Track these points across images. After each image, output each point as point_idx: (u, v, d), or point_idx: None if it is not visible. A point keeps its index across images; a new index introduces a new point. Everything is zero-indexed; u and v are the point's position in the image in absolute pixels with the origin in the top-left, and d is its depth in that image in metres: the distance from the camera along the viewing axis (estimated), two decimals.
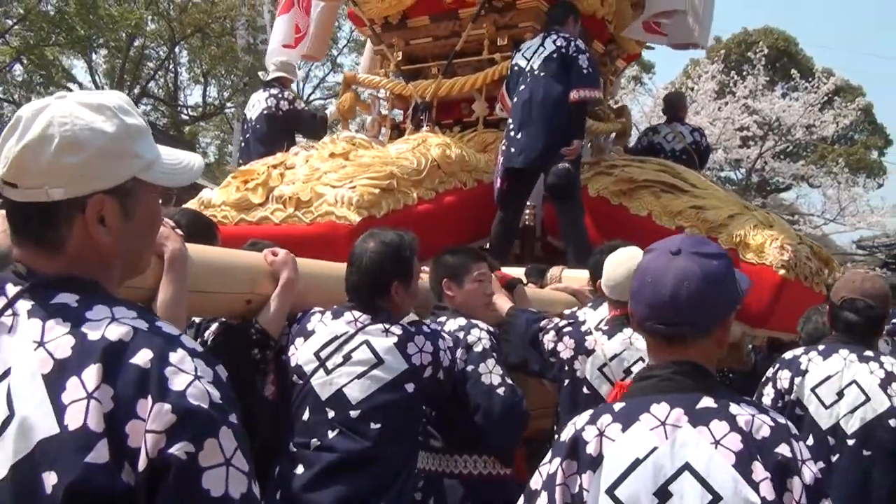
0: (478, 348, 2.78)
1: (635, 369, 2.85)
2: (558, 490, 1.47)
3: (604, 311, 3.26)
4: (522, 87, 4.91)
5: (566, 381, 3.00)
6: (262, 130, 6.12)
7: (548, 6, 5.47)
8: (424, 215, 4.64)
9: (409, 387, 2.34)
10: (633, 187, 5.22)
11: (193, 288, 2.29)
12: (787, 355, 3.22)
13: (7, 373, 1.06)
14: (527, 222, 5.38)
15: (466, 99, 5.89)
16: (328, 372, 2.34)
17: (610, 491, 1.43)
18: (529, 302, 3.58)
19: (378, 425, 2.28)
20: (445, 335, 2.57)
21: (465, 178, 5.06)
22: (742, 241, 4.81)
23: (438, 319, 2.92)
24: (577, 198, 4.87)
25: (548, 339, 3.08)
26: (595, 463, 1.45)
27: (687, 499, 1.41)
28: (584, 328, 3.06)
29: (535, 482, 1.53)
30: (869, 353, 3.03)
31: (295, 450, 2.31)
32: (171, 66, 21.11)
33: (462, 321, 2.89)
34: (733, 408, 1.48)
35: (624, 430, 1.46)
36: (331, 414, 2.30)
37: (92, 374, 1.03)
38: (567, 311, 3.43)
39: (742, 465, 1.42)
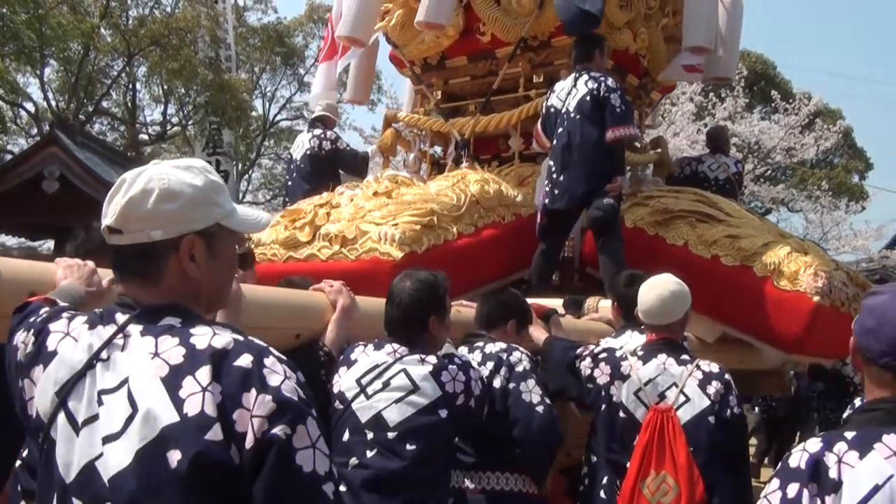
0: (519, 368, 3.02)
1: (669, 394, 2.99)
2: None
3: (625, 338, 3.41)
4: (560, 129, 5.06)
5: (603, 406, 3.14)
6: (307, 170, 6.37)
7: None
8: (464, 249, 4.82)
9: (443, 412, 2.51)
10: (669, 217, 5.33)
11: (247, 324, 2.49)
12: None
13: (125, 381, 1.30)
14: (566, 254, 5.52)
15: (503, 134, 6.08)
16: (368, 397, 2.53)
17: None
18: (564, 331, 3.73)
19: (413, 447, 2.45)
20: (475, 366, 2.73)
21: (503, 212, 5.23)
22: (776, 269, 4.88)
23: (476, 344, 3.11)
24: (617, 231, 5.01)
25: (584, 366, 3.23)
26: (836, 487, 1.54)
27: None
28: (618, 353, 3.20)
29: None
30: None
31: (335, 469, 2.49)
32: (128, 83, 19.88)
33: (503, 344, 3.12)
34: None
35: (861, 457, 1.55)
36: (370, 435, 2.48)
37: (205, 373, 1.26)
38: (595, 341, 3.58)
39: None
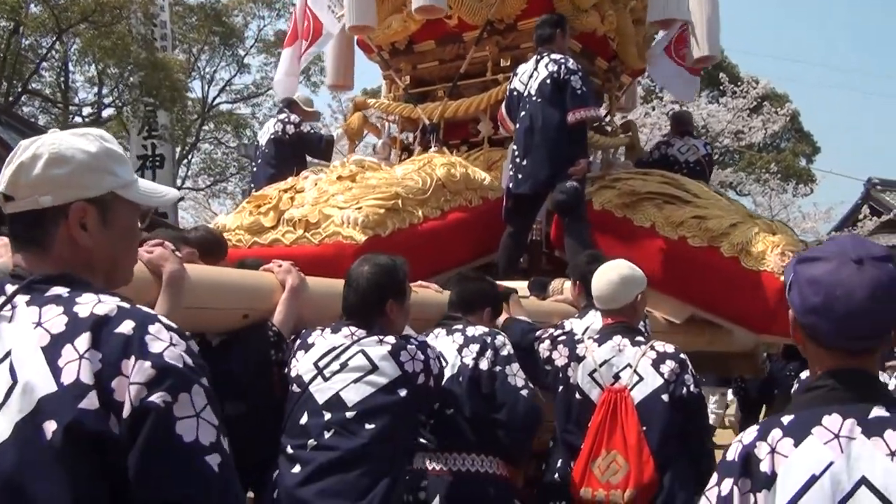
0: (504, 352, 3.04)
1: (623, 375, 2.98)
2: None
3: (590, 318, 3.40)
4: (523, 112, 5.03)
5: (560, 388, 3.14)
6: (271, 154, 6.29)
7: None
8: (430, 233, 4.79)
9: (403, 392, 2.50)
10: (637, 199, 5.32)
11: (192, 304, 2.46)
12: None
13: (8, 353, 1.24)
14: (533, 237, 5.50)
15: (473, 119, 6.05)
16: (326, 379, 2.52)
17: None
18: (523, 310, 3.72)
19: (372, 426, 2.44)
20: (433, 346, 2.72)
21: (470, 196, 5.21)
22: (744, 249, 4.88)
23: (455, 327, 3.12)
24: (582, 213, 4.98)
25: (543, 348, 3.23)
26: (769, 481, 1.38)
27: None
28: (576, 336, 3.19)
29: None
30: None
31: (292, 451, 2.48)
32: (60, 63, 18.51)
33: (484, 328, 3.13)
34: None
35: (796, 444, 1.39)
36: (328, 416, 2.46)
37: (84, 340, 1.21)
38: (558, 322, 3.56)
39: None
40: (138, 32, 15.60)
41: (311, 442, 2.45)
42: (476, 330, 3.08)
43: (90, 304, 1.26)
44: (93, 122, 18.43)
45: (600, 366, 3.03)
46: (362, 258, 2.78)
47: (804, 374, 3.84)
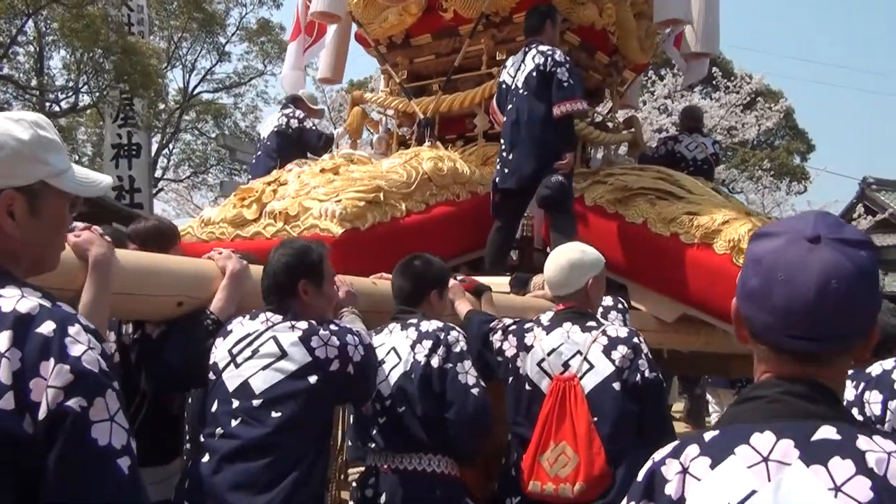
0: (456, 349, 2.91)
1: (573, 363, 2.87)
2: None
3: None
4: (510, 105, 4.95)
5: (510, 379, 3.03)
6: (272, 147, 6.30)
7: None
8: (414, 227, 4.73)
9: (313, 378, 2.41)
10: (629, 195, 5.20)
11: (122, 290, 2.41)
12: (875, 369, 3.01)
13: None
14: (525, 233, 5.41)
15: (469, 114, 5.97)
16: (237, 366, 2.45)
17: None
18: (496, 308, 3.63)
19: (278, 414, 2.36)
20: (359, 332, 2.63)
21: (458, 190, 5.14)
22: (736, 247, 4.73)
23: (409, 321, 3.02)
24: (568, 207, 4.88)
25: (496, 339, 3.13)
26: None
27: None
28: (527, 325, 3.09)
29: None
30: None
31: (203, 439, 2.43)
32: (35, 48, 17.45)
33: (438, 323, 3.00)
34: (862, 441, 1.09)
35: (713, 465, 1.12)
36: (235, 404, 2.40)
37: (5, 338, 1.21)
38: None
39: None
40: (114, 16, 14.80)
41: (219, 430, 2.39)
42: (431, 325, 2.98)
43: (13, 300, 1.26)
44: (69, 110, 18.27)
45: (549, 354, 2.92)
46: (281, 242, 2.74)
47: None
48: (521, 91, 4.84)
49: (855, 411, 2.27)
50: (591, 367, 2.84)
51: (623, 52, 6.34)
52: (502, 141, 4.98)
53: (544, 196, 4.74)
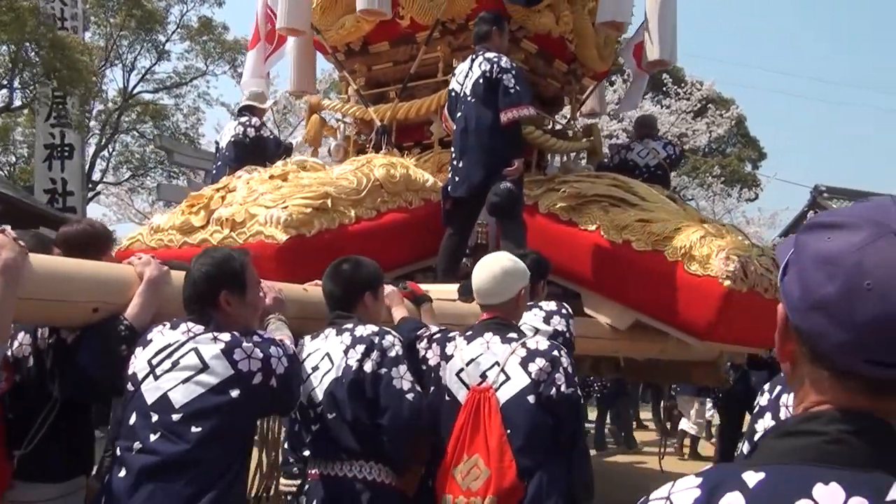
0: (391, 353, 2.84)
1: (490, 374, 2.82)
2: None
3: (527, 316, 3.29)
4: (459, 113, 4.93)
5: (433, 389, 2.98)
6: (230, 157, 6.25)
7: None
8: (363, 234, 4.68)
9: (235, 392, 2.35)
10: (583, 202, 5.20)
11: (36, 296, 2.36)
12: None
13: None
14: (479, 241, 5.38)
15: (427, 122, 5.94)
16: (157, 378, 2.38)
17: None
18: (436, 317, 3.59)
19: (199, 429, 2.30)
20: (282, 342, 2.58)
21: (410, 197, 5.10)
22: (687, 253, 4.74)
23: (345, 326, 2.96)
24: (517, 214, 4.85)
25: (421, 347, 3.09)
26: None
27: None
28: (450, 334, 3.05)
29: None
30: None
31: (120, 453, 2.36)
32: None
33: (374, 327, 2.94)
34: None
35: None
36: (154, 418, 2.33)
37: None
38: None
39: None
40: (42, 9, 14.12)
41: (137, 445, 2.32)
42: (365, 329, 2.92)
43: None
44: (3, 109, 17.34)
45: (467, 364, 2.88)
46: (202, 251, 2.68)
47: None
48: (468, 98, 4.82)
49: (769, 416, 2.18)
50: (508, 378, 2.80)
51: (582, 60, 6.34)
52: (453, 149, 4.96)
53: (493, 203, 4.72)
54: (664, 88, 19.48)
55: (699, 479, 0.91)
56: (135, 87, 21.65)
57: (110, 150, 21.88)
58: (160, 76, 22.36)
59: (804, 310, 0.93)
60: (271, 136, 6.44)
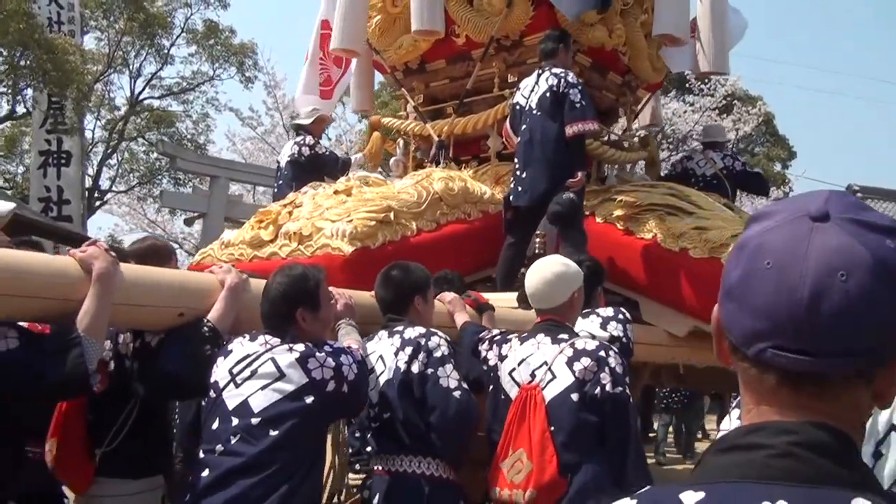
0: (437, 353, 2.99)
1: (538, 373, 2.93)
2: None
3: (587, 323, 3.40)
4: (524, 126, 5.09)
5: (491, 388, 3.11)
6: (289, 176, 6.45)
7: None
8: (424, 245, 4.83)
9: (309, 399, 2.51)
10: (639, 211, 5.28)
11: (126, 301, 2.56)
12: None
13: None
14: (536, 250, 5.49)
15: (483, 136, 6.09)
16: (237, 386, 2.56)
17: None
18: (495, 325, 3.71)
19: (276, 432, 2.46)
20: (351, 350, 2.74)
21: (469, 209, 5.25)
22: None
23: (395, 329, 3.12)
24: (578, 224, 4.96)
25: (483, 349, 3.22)
26: None
27: None
28: (508, 336, 3.17)
29: None
30: None
31: (203, 455, 2.54)
32: None
33: (421, 329, 3.09)
34: None
35: None
36: (235, 421, 2.50)
37: None
38: None
39: None
40: (34, 11, 13.48)
41: (219, 447, 2.49)
42: (414, 331, 3.06)
43: None
44: (4, 118, 16.91)
45: (519, 364, 2.99)
46: (279, 268, 2.83)
47: None
48: (534, 112, 4.98)
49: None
50: (554, 377, 2.89)
51: (635, 72, 6.43)
52: (516, 160, 5.10)
53: (555, 212, 4.84)
54: (687, 85, 19.18)
55: (633, 502, 0.85)
56: (140, 92, 21.23)
57: (118, 157, 21.47)
58: (167, 82, 21.88)
59: (720, 300, 0.88)
60: (328, 153, 6.63)
